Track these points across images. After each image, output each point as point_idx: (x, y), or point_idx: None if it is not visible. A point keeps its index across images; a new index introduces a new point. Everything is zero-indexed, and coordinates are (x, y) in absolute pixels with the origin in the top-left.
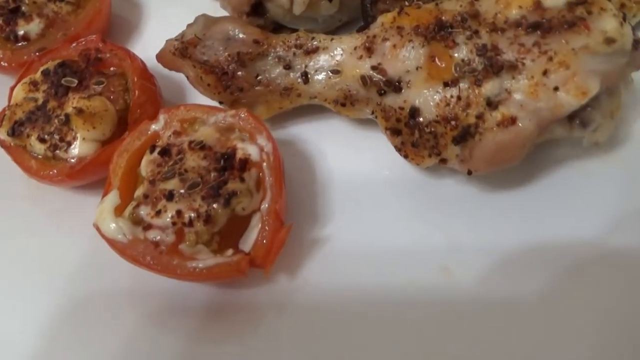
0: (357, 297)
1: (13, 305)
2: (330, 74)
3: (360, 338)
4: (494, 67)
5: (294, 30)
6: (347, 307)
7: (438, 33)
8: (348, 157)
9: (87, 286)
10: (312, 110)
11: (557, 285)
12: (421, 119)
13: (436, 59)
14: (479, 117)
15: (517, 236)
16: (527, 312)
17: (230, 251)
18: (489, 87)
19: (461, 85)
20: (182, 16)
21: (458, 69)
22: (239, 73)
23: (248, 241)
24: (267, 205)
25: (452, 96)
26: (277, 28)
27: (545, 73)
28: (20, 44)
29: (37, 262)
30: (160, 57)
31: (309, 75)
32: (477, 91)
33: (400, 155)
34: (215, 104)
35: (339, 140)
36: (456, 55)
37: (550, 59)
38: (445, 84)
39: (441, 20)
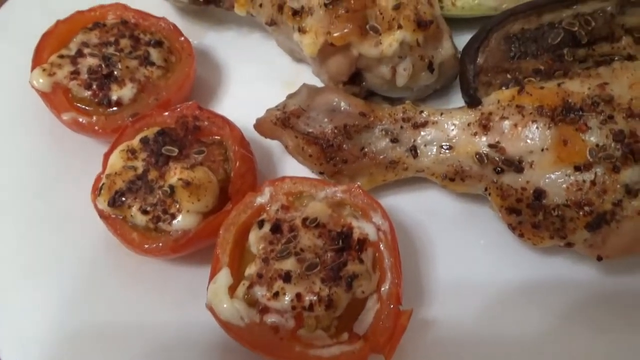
0: None
1: None
2: (442, 149)
3: None
4: (635, 154)
5: (387, 98)
6: None
7: (567, 116)
8: (445, 228)
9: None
10: (407, 179)
11: None
12: (547, 202)
13: (567, 142)
14: (617, 204)
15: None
16: None
17: (345, 335)
18: (628, 174)
19: (596, 170)
20: (262, 77)
21: (594, 153)
22: (345, 146)
23: (364, 324)
24: (387, 288)
25: (584, 181)
26: (370, 95)
27: None
28: (112, 109)
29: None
30: (259, 125)
31: (418, 150)
32: (614, 177)
33: (514, 233)
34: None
35: (434, 211)
36: (590, 139)
37: None
38: (577, 168)
39: (568, 102)
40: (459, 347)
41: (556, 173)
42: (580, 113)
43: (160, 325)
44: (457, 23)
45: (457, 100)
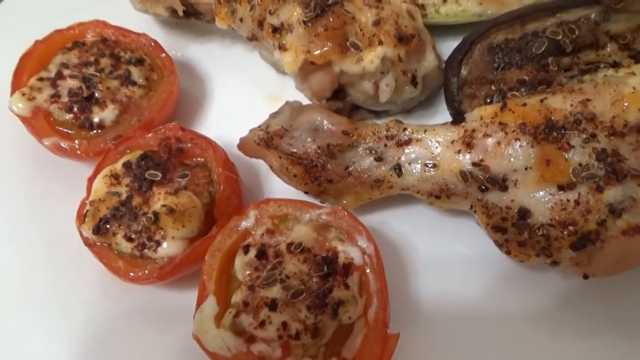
0: None
1: None
2: (426, 168)
3: None
4: (618, 174)
5: (372, 111)
6: None
7: (549, 134)
8: (433, 243)
9: None
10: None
11: None
12: (532, 221)
13: (550, 162)
14: (601, 224)
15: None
16: None
17: None
18: (612, 194)
19: (580, 190)
20: (246, 91)
21: (577, 173)
22: (329, 165)
23: (352, 349)
24: (374, 312)
25: (568, 200)
26: (355, 108)
27: None
28: (95, 132)
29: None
30: (242, 145)
31: (402, 168)
32: (597, 197)
33: (501, 250)
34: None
35: (424, 226)
36: (573, 158)
37: None
38: (560, 187)
39: (551, 120)
40: None
41: (540, 192)
42: (563, 131)
43: (150, 351)
44: (441, 29)
45: (444, 110)
